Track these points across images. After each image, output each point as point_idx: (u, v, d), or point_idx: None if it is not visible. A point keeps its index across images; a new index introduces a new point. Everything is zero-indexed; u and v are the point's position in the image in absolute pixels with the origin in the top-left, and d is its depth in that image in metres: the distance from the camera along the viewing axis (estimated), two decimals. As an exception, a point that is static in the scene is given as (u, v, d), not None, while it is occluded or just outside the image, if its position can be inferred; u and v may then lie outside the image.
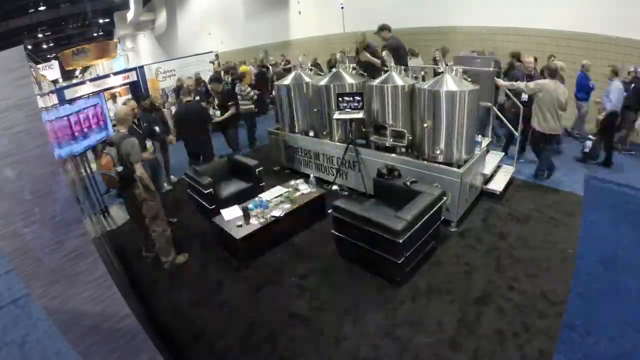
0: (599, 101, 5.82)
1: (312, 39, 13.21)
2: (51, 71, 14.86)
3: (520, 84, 5.08)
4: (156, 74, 10.60)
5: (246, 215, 4.03)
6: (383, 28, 5.49)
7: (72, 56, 15.32)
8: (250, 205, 4.29)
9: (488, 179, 4.92)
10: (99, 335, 1.98)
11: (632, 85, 5.79)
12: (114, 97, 9.40)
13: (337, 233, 3.79)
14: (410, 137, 4.47)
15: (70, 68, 16.77)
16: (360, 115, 4.59)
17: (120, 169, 3.73)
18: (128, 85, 10.19)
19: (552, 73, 4.92)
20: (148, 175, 3.71)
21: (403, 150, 4.57)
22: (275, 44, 14.91)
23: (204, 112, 6.02)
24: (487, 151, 4.97)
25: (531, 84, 4.97)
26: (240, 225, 3.93)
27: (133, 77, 10.44)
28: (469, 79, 4.10)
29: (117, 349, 2.05)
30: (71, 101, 6.37)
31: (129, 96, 9.79)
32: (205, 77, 9.95)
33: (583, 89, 6.51)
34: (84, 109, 4.87)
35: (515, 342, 2.78)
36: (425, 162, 4.30)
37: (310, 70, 6.00)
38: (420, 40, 9.52)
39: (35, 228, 1.72)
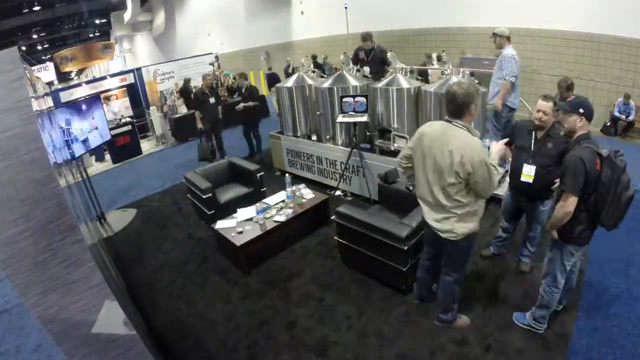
0: None
1: (314, 40, 13.17)
2: (46, 73, 14.72)
3: None
4: (154, 76, 10.46)
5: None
6: None
7: (60, 60, 15.16)
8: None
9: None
10: (96, 346, 1.90)
11: None
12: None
13: (340, 239, 3.71)
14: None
15: (64, 71, 16.63)
16: (364, 118, 4.51)
17: None
18: (125, 88, 10.06)
19: None
20: None
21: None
22: (276, 45, 14.86)
23: None
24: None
25: None
26: (241, 232, 3.84)
27: (130, 79, 10.31)
28: (476, 81, 4.05)
29: (114, 359, 1.97)
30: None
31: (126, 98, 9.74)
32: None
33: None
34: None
35: (527, 350, 2.70)
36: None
37: (313, 72, 5.92)
38: (427, 41, 9.46)
39: (29, 235, 1.64)
